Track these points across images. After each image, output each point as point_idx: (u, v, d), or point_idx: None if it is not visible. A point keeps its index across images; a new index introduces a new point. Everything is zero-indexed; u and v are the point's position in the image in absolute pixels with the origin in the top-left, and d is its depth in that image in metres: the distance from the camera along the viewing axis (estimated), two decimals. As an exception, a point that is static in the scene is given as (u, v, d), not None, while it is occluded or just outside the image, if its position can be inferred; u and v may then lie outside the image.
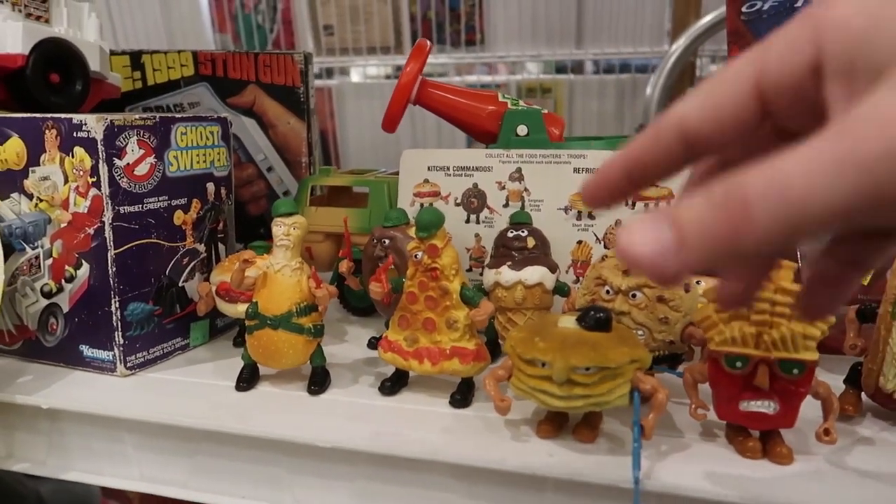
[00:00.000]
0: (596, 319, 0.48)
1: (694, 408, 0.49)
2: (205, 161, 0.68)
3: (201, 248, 0.69)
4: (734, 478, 0.45)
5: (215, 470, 0.55)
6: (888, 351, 0.49)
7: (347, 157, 2.03)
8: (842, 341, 0.54)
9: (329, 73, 1.97)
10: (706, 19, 1.53)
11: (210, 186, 0.69)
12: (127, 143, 0.59)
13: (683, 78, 1.57)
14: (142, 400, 0.58)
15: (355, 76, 2.00)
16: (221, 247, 0.72)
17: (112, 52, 0.93)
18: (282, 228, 0.57)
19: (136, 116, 0.60)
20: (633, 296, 0.54)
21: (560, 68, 1.79)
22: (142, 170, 0.61)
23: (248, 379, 0.59)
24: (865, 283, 0.57)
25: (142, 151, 0.61)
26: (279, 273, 0.57)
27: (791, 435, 0.48)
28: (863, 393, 0.53)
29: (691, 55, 1.58)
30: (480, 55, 1.79)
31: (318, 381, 0.59)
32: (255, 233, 0.94)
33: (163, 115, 0.63)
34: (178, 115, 0.65)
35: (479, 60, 1.81)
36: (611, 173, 0.28)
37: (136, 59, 0.94)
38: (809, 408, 0.46)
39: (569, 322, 0.49)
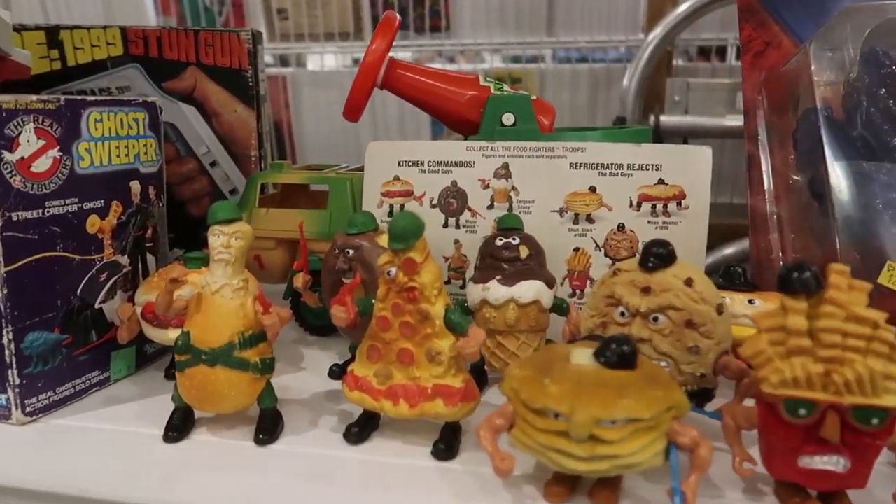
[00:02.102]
0: (619, 354, 0.38)
1: (739, 461, 0.40)
2: (127, 155, 0.56)
3: (124, 260, 0.56)
4: (798, 556, 0.36)
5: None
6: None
7: (304, 152, 1.90)
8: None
9: (284, 60, 1.84)
10: (683, 7, 1.45)
11: (134, 185, 0.57)
12: (20, 132, 0.47)
13: (660, 69, 1.50)
14: (39, 460, 0.45)
15: (312, 64, 1.88)
16: (150, 258, 0.60)
17: (23, 27, 0.80)
18: (220, 239, 0.46)
19: (34, 98, 0.48)
20: (655, 319, 0.44)
21: (530, 57, 1.70)
22: (41, 165, 0.48)
23: (178, 427, 0.48)
24: (920, 299, 0.49)
25: (41, 142, 0.48)
26: (217, 294, 0.46)
27: (858, 494, 0.39)
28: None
29: (668, 45, 1.50)
30: (446, 42, 1.68)
31: (268, 427, 0.47)
32: (196, 239, 0.81)
33: (70, 97, 0.50)
34: (89, 98, 0.52)
35: (444, 48, 1.70)
36: None
37: (52, 35, 0.81)
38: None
39: (584, 357, 0.39)
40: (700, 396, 0.46)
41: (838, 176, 0.52)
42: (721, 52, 1.60)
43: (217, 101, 0.84)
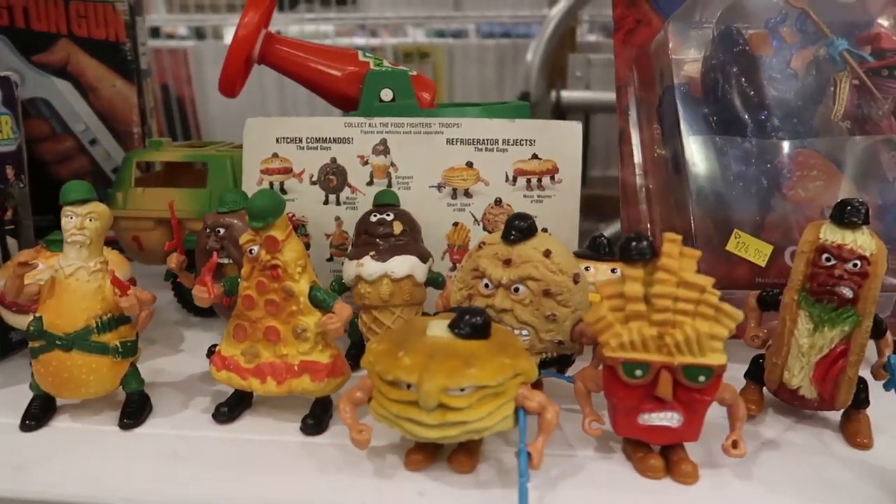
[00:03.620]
0: (472, 325, 0.40)
1: (588, 421, 0.42)
2: (-22, 133, 0.53)
3: (-21, 244, 0.54)
4: (635, 506, 0.38)
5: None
6: (793, 344, 0.44)
7: (211, 129, 1.84)
8: (743, 329, 0.48)
9: (199, 32, 1.77)
10: (585, -17, 1.47)
11: (-12, 165, 0.54)
12: None
13: (564, 43, 1.52)
14: None
15: (213, 37, 1.81)
16: (12, 242, 0.57)
17: None
18: (73, 220, 0.44)
19: None
20: (516, 290, 0.46)
21: (439, 33, 1.69)
22: None
23: (36, 415, 0.46)
24: (763, 263, 0.52)
25: None
26: (72, 277, 0.44)
27: (693, 444, 0.42)
28: (765, 388, 0.48)
29: (571, 20, 1.53)
30: (352, 16, 1.66)
31: (133, 411, 0.47)
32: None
33: None
34: (-72, 72, 0.49)
35: (350, 22, 1.67)
36: None
37: None
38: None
39: (439, 329, 0.40)
40: (560, 362, 0.48)
41: (693, 150, 0.55)
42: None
43: (93, 76, 0.80)
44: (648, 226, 0.62)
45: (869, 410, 0.45)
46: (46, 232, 0.56)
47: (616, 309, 0.39)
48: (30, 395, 0.48)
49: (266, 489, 0.40)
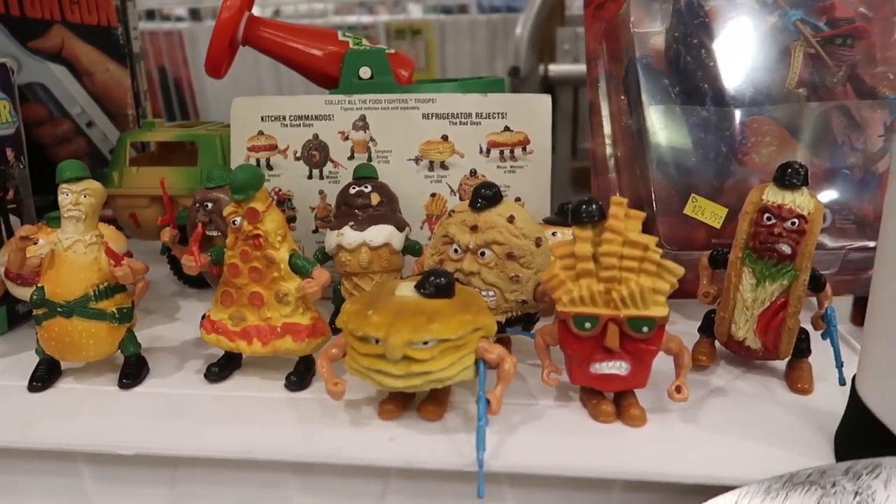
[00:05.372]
0: (436, 286, 0.43)
1: (546, 372, 0.46)
2: (-22, 117, 0.56)
3: (-16, 222, 0.57)
4: (587, 447, 0.42)
5: (7, 489, 0.46)
6: (738, 298, 0.47)
7: (207, 110, 1.86)
8: (696, 286, 0.52)
9: (195, 13, 1.79)
10: (574, -45, 1.48)
11: (-11, 148, 0.57)
12: None
13: (553, 17, 1.54)
14: None
15: (212, 18, 1.83)
16: (14, 220, 0.61)
17: None
18: (69, 197, 0.48)
19: None
20: (482, 254, 0.49)
21: (432, 8, 1.71)
22: None
23: (43, 377, 0.50)
24: (718, 225, 0.56)
25: None
26: (70, 250, 0.48)
27: (645, 392, 0.45)
28: (716, 342, 0.51)
29: (560, -6, 1.54)
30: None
31: (132, 372, 0.51)
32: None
33: None
34: (-72, 61, 0.52)
35: (334, 0, 1.69)
36: None
37: None
38: (667, 361, 0.44)
39: (407, 290, 0.44)
40: (524, 321, 0.51)
41: (653, 119, 0.58)
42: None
43: (88, 60, 0.83)
44: (617, 193, 0.65)
45: (812, 360, 0.49)
46: (48, 211, 0.60)
47: (567, 268, 0.42)
48: (36, 361, 0.52)
49: (253, 440, 0.43)
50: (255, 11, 0.67)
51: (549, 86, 1.39)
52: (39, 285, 0.48)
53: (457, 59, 1.71)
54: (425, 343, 0.41)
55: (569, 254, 0.42)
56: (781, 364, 0.50)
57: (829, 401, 0.46)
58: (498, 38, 1.68)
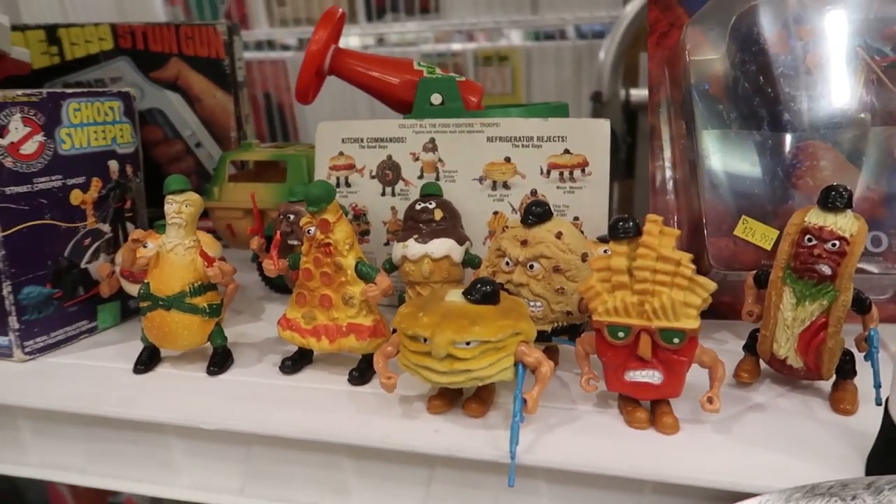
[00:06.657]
0: (482, 293, 0.47)
1: (585, 379, 0.48)
2: (105, 138, 0.66)
3: (105, 228, 0.67)
4: (618, 449, 0.44)
5: (110, 454, 0.54)
6: (779, 317, 0.48)
7: (307, 132, 2.00)
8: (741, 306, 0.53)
9: (287, 46, 1.93)
10: (660, -18, 1.49)
11: (112, 164, 0.67)
12: (9, 121, 0.57)
13: (638, 42, 1.55)
14: (35, 386, 0.56)
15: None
16: (130, 227, 0.70)
17: (25, 27, 0.90)
18: (173, 206, 0.56)
19: (20, 92, 0.58)
20: (531, 267, 0.53)
21: (529, 35, 1.76)
22: (28, 148, 0.58)
23: (145, 361, 0.58)
24: (769, 247, 0.56)
25: (28, 129, 0.58)
26: (171, 252, 0.56)
27: (683, 403, 0.47)
28: (761, 360, 0.52)
29: (645, 19, 1.55)
30: (435, 24, 1.76)
31: (218, 361, 0.57)
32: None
33: (52, 90, 0.60)
34: (68, 91, 0.62)
35: (433, 29, 1.77)
36: None
37: (51, 32, 0.91)
38: (707, 375, 0.46)
39: (456, 296, 0.48)
40: (570, 331, 0.54)
41: (707, 143, 0.59)
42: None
43: (199, 88, 0.93)
44: (675, 215, 0.67)
45: (859, 382, 0.49)
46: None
47: (604, 280, 0.45)
48: (141, 347, 0.60)
49: (315, 423, 0.49)
50: (358, 40, 0.74)
51: (630, 110, 1.40)
52: (146, 281, 0.56)
53: (542, 84, 1.75)
54: (468, 343, 0.45)
55: (605, 267, 0.45)
56: (827, 385, 0.50)
57: (872, 423, 0.46)
58: (583, 62, 1.71)
